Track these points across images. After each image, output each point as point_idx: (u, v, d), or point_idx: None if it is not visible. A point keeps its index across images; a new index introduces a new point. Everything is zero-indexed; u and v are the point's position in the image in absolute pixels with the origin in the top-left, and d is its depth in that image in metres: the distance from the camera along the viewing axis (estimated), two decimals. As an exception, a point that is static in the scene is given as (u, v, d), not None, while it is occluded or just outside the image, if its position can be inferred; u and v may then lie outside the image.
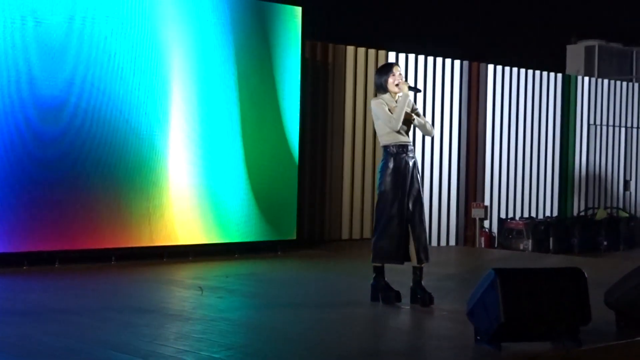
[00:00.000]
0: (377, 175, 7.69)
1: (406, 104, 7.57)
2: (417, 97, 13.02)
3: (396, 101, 7.63)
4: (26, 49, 9.47)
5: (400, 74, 7.72)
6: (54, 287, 8.41)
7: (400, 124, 7.54)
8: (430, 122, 7.96)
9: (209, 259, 10.64)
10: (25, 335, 6.07)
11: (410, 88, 7.70)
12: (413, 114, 7.68)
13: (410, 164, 7.61)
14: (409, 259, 7.60)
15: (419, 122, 7.75)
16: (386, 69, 7.77)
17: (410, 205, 7.56)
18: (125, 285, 8.84)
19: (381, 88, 7.72)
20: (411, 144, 7.72)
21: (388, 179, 7.56)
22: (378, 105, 7.63)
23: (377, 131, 7.80)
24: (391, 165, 7.57)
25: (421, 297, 7.52)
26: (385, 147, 7.64)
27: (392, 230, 7.51)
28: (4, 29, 9.34)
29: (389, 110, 7.58)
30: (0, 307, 7.31)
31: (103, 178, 10.00)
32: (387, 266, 7.65)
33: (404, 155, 7.60)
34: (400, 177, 7.54)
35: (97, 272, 9.43)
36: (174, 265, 10.12)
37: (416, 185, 7.62)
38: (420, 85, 13.64)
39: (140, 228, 10.29)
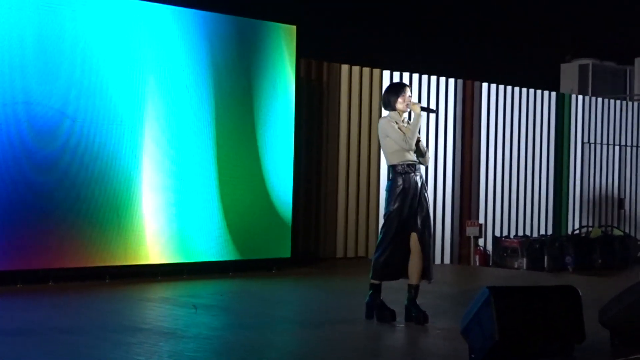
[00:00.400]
0: (385, 195, 7.68)
1: (419, 122, 7.60)
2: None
3: (403, 120, 7.65)
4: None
5: (410, 96, 7.74)
6: (48, 306, 8.39)
7: (414, 143, 7.57)
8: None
9: (203, 277, 10.62)
10: (20, 354, 6.05)
11: (423, 109, 7.72)
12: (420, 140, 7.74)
13: (419, 182, 7.62)
14: (406, 277, 7.60)
15: (422, 147, 7.77)
16: (397, 89, 7.80)
17: (420, 224, 7.57)
18: (119, 303, 8.82)
19: (389, 105, 7.74)
20: (418, 162, 7.72)
21: (397, 198, 7.55)
22: (388, 124, 7.65)
23: (383, 149, 7.80)
24: (400, 184, 7.57)
25: (416, 315, 7.52)
26: (393, 166, 7.64)
27: (396, 248, 7.50)
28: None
29: (400, 129, 7.59)
30: (-6, 326, 7.29)
31: (97, 197, 9.99)
32: (384, 284, 7.64)
33: (412, 174, 7.61)
34: (408, 196, 7.55)
35: (91, 291, 9.41)
36: (167, 284, 10.10)
37: (424, 204, 7.64)
38: (424, 103, 13.61)
39: (134, 247, 10.28)
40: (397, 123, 7.63)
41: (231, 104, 11.12)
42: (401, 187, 7.56)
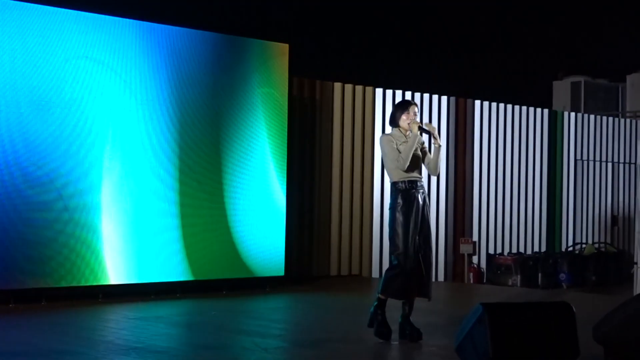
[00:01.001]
0: (388, 212, 7.68)
1: (415, 143, 7.58)
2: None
3: (406, 137, 7.65)
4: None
5: (415, 114, 7.74)
6: (41, 325, 8.36)
7: (408, 163, 7.55)
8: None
9: (196, 295, 10.59)
10: None
11: (420, 129, 7.71)
12: (438, 146, 7.69)
13: (420, 199, 7.61)
14: (415, 295, 7.57)
15: (435, 159, 7.74)
16: (403, 106, 7.84)
17: (422, 242, 7.55)
18: (112, 322, 8.80)
19: (393, 122, 7.77)
20: (421, 179, 7.70)
21: (399, 215, 7.54)
22: (386, 143, 7.66)
23: (385, 167, 7.82)
24: (401, 201, 7.56)
25: (409, 333, 7.50)
26: (395, 184, 7.64)
27: (404, 267, 7.47)
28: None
29: (397, 147, 7.59)
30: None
31: (91, 218, 9.99)
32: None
33: (414, 191, 7.59)
34: (411, 214, 7.53)
35: (84, 310, 9.37)
36: (161, 302, 10.07)
37: (426, 222, 7.63)
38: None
39: (127, 265, 10.26)
40: (396, 141, 7.63)
41: (224, 123, 11.13)
42: (402, 204, 7.55)
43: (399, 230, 7.51)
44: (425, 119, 14.07)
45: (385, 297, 7.57)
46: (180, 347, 7.22)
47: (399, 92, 13.82)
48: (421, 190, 7.65)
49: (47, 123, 9.72)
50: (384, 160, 7.80)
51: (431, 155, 7.81)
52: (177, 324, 8.63)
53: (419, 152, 7.71)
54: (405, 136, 7.67)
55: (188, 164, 10.81)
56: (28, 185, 9.58)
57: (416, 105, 7.91)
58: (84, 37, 9.99)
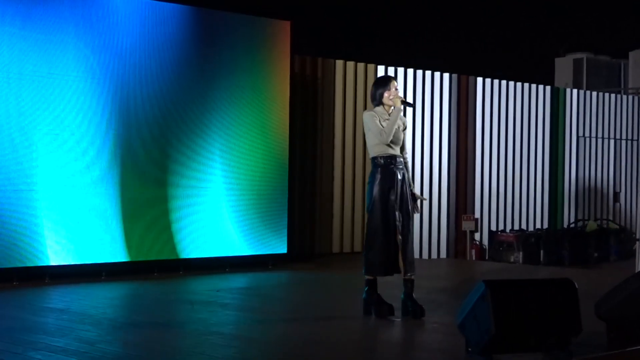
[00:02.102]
0: (367, 188, 7.69)
1: (398, 118, 7.59)
2: (407, 110, 13.07)
3: (389, 113, 7.65)
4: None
5: (396, 89, 7.73)
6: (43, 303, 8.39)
7: (391, 137, 7.55)
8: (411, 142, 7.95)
9: (200, 273, 10.62)
10: (15, 352, 6.06)
11: (402, 102, 7.71)
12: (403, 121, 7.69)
13: (399, 175, 7.61)
14: (398, 271, 7.60)
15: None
16: (384, 83, 7.79)
17: (400, 217, 7.57)
18: (115, 300, 8.83)
19: (375, 99, 7.74)
20: (400, 156, 7.71)
21: (376, 190, 7.56)
22: (370, 118, 7.65)
23: (367, 142, 7.81)
24: (379, 176, 7.58)
25: (412, 310, 7.52)
26: (374, 159, 7.65)
27: (380, 242, 7.50)
28: None
29: (380, 123, 7.59)
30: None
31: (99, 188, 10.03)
32: (379, 279, 7.65)
33: (393, 166, 7.60)
34: (388, 189, 7.55)
35: (86, 287, 9.40)
36: (164, 280, 10.10)
37: (405, 197, 7.62)
38: (410, 99, 13.68)
39: (131, 243, 10.28)
40: (379, 117, 7.62)
41: (225, 101, 11.12)
42: (380, 179, 7.56)
43: (377, 204, 7.53)
44: (428, 96, 14.07)
45: (371, 276, 7.59)
46: (183, 325, 7.24)
47: (400, 69, 13.81)
48: (400, 167, 7.64)
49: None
50: (366, 136, 7.78)
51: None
52: (180, 301, 8.65)
53: (400, 133, 7.69)
54: (389, 113, 7.66)
55: (189, 143, 10.80)
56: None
57: (395, 80, 7.88)
58: (80, 14, 9.98)
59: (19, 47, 9.52)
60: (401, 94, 7.81)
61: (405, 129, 7.80)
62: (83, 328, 6.98)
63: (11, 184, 9.51)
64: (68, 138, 9.88)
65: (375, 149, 7.63)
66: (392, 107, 7.65)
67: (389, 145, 7.58)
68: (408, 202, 7.63)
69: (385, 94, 7.68)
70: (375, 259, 7.53)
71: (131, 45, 10.34)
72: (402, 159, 7.69)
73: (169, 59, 10.65)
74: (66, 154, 9.86)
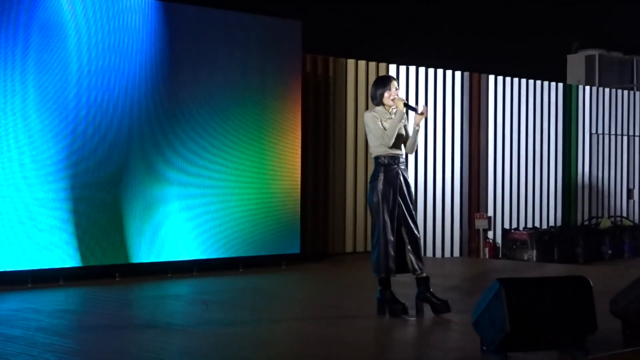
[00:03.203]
0: (369, 187, 7.68)
1: (400, 120, 7.56)
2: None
3: (390, 113, 7.63)
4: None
5: (396, 89, 7.71)
6: (59, 305, 8.41)
7: (393, 140, 7.53)
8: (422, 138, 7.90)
9: (212, 273, 10.63)
10: (32, 355, 6.07)
11: (405, 105, 7.67)
12: (417, 129, 7.65)
13: (401, 175, 7.60)
14: (405, 271, 7.59)
15: (414, 139, 7.71)
16: (383, 82, 7.77)
17: (405, 216, 7.56)
18: (130, 301, 8.84)
19: (375, 99, 7.74)
20: (403, 155, 7.70)
21: (379, 190, 7.55)
22: (371, 119, 7.64)
23: (369, 142, 7.80)
24: (382, 176, 7.57)
25: (436, 306, 7.51)
26: (377, 158, 7.64)
27: (383, 242, 7.49)
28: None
29: (382, 124, 7.58)
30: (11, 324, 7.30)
31: (106, 194, 10.04)
32: (392, 278, 7.63)
33: (395, 166, 7.59)
34: (391, 188, 7.53)
35: (101, 289, 9.42)
36: (177, 281, 10.11)
37: (407, 196, 7.61)
38: (421, 97, 13.67)
39: (142, 244, 10.29)
40: (380, 118, 7.60)
41: (237, 101, 11.12)
42: (382, 179, 7.54)
43: (380, 204, 7.51)
44: (440, 95, 14.04)
45: (379, 276, 7.58)
46: (197, 326, 7.24)
47: (412, 68, 13.78)
48: (403, 166, 7.64)
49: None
50: (367, 136, 7.77)
51: (410, 134, 7.73)
52: (193, 302, 8.66)
53: (403, 130, 7.67)
54: (390, 113, 7.64)
55: (203, 142, 10.80)
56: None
57: (395, 79, 7.85)
58: (99, 16, 10.00)
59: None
60: (403, 95, 7.77)
61: (406, 124, 7.74)
62: (96, 328, 6.99)
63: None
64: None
65: (377, 149, 7.62)
66: (393, 107, 7.63)
67: (392, 145, 7.57)
68: (411, 201, 7.62)
69: (386, 94, 7.66)
70: (380, 259, 7.52)
71: (140, 44, 10.35)
72: (404, 158, 7.69)
73: (179, 58, 10.65)
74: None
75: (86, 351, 6.22)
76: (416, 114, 7.61)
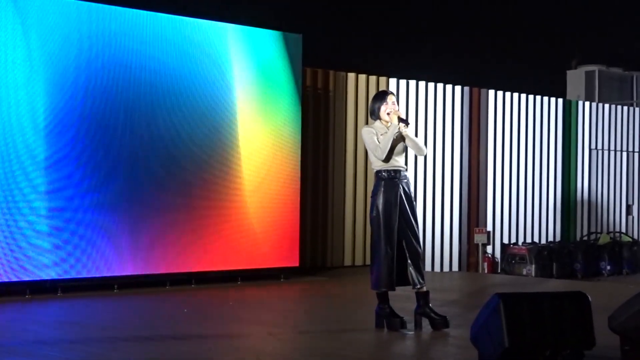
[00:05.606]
0: (370, 201, 7.69)
1: (394, 134, 7.57)
2: (418, 123, 13.07)
3: (387, 128, 7.64)
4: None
5: (393, 103, 7.73)
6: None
7: (386, 154, 7.54)
8: (424, 142, 7.89)
9: (212, 285, 10.62)
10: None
11: (400, 119, 7.67)
12: (406, 133, 7.61)
13: (402, 188, 7.61)
14: (405, 283, 7.59)
15: (412, 142, 7.70)
16: (380, 97, 7.81)
17: (405, 230, 7.56)
18: (125, 314, 8.83)
19: (373, 114, 7.77)
20: (404, 169, 7.71)
21: (379, 204, 7.56)
22: (367, 134, 7.68)
23: (369, 157, 7.82)
24: (382, 190, 7.58)
25: (438, 320, 7.50)
26: (377, 172, 7.66)
27: (383, 256, 7.49)
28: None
29: (377, 139, 7.59)
30: (13, 337, 7.29)
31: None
32: (390, 292, 7.63)
33: (397, 180, 7.60)
34: (391, 202, 7.54)
35: (100, 300, 9.42)
36: (176, 293, 10.10)
37: (409, 210, 7.61)
38: (421, 112, 13.70)
39: (140, 256, 10.28)
40: (377, 132, 7.61)
41: (237, 114, 11.14)
42: (383, 192, 7.56)
43: (380, 218, 7.52)
44: (440, 109, 14.05)
45: (378, 290, 7.57)
46: (191, 337, 7.23)
47: (412, 82, 13.80)
48: (404, 180, 7.65)
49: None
50: (368, 151, 7.80)
51: (413, 139, 7.72)
52: (191, 313, 8.65)
53: (406, 134, 7.64)
54: (387, 127, 7.65)
55: (202, 156, 10.82)
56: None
57: (393, 94, 7.86)
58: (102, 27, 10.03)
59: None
60: (403, 110, 7.77)
61: (405, 134, 7.70)
62: (95, 340, 6.98)
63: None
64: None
65: (378, 162, 7.64)
66: (390, 123, 7.64)
67: (391, 159, 7.58)
68: (411, 215, 7.62)
69: (382, 108, 7.69)
70: (380, 274, 7.51)
71: (146, 58, 10.36)
72: (405, 172, 7.70)
73: (182, 72, 10.67)
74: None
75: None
76: (407, 125, 7.61)
